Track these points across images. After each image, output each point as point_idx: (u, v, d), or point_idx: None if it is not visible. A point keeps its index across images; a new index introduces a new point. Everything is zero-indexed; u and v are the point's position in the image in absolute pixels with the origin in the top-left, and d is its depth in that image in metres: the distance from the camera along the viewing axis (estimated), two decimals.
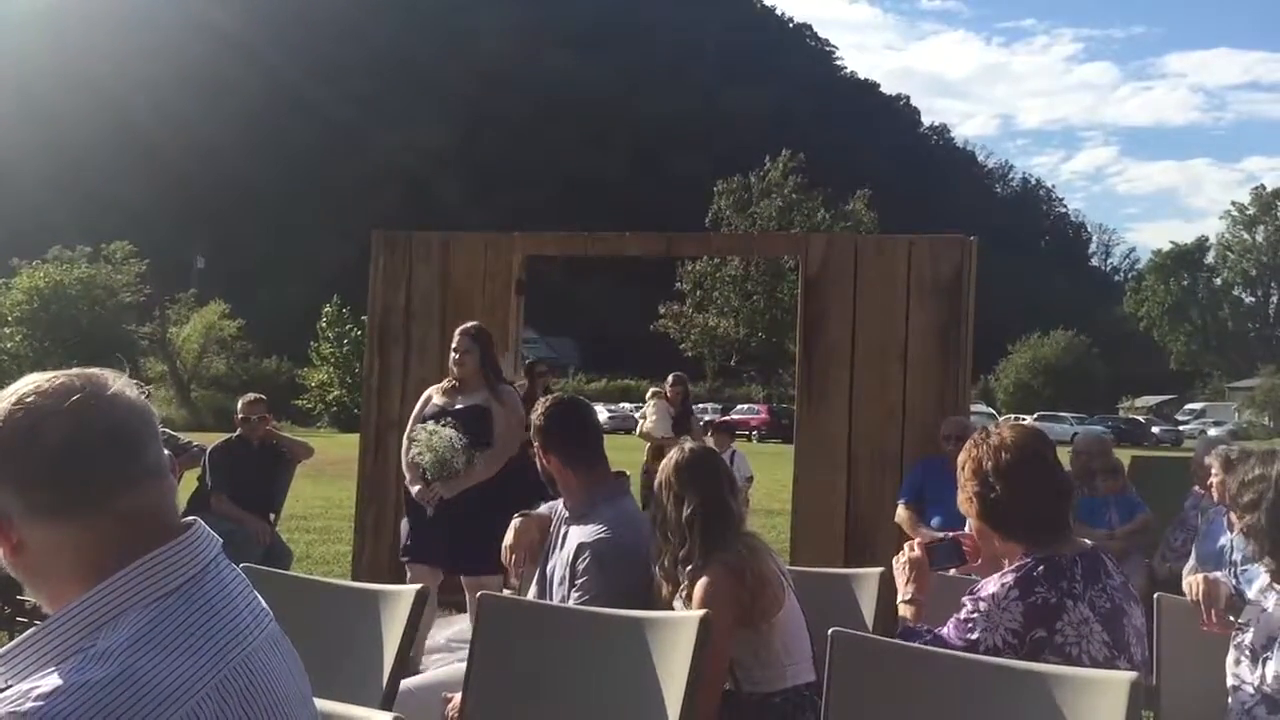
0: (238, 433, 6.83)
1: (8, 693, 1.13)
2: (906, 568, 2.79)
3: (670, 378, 10.37)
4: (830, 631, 2.46)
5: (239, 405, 6.99)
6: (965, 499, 2.63)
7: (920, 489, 6.20)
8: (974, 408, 38.24)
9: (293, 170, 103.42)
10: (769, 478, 14.22)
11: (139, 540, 1.25)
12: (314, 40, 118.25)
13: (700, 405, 47.78)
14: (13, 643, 1.23)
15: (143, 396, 1.34)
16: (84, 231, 53.53)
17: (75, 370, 1.32)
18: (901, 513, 6.23)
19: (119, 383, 1.32)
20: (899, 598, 2.80)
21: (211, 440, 7.21)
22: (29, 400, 1.26)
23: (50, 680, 1.12)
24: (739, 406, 48.14)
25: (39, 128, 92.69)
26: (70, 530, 1.24)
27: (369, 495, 7.63)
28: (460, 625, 6.10)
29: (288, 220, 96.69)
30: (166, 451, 1.34)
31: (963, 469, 2.63)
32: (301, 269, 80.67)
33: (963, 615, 2.51)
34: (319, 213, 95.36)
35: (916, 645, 2.48)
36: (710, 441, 9.38)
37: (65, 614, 1.21)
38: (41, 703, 1.09)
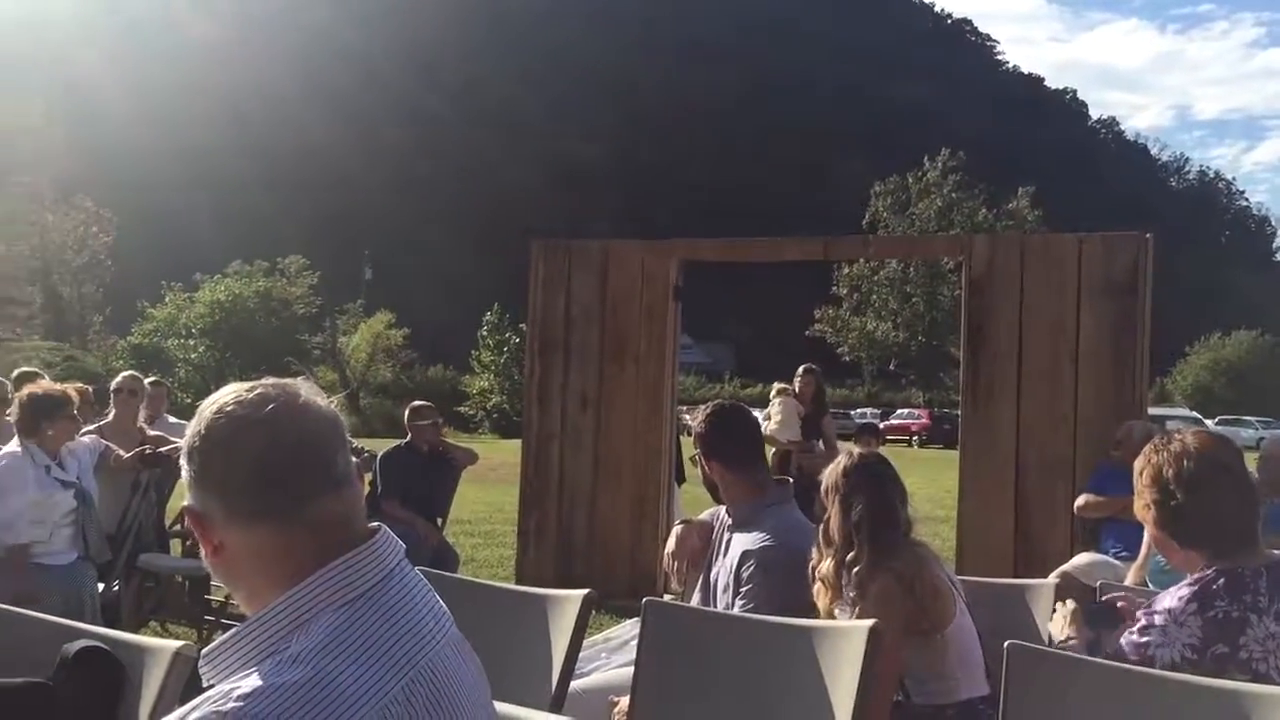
0: (408, 439, 7.03)
1: (210, 691, 1.19)
2: (1066, 617, 2.80)
3: (800, 370, 8.73)
4: (1006, 644, 2.38)
5: (409, 412, 7.16)
6: (1142, 506, 2.53)
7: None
8: (1174, 411, 36.30)
9: (455, 181, 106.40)
10: (931, 484, 13.95)
11: (329, 545, 1.30)
12: (487, 52, 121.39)
13: (859, 410, 47.28)
14: (215, 643, 1.30)
15: (331, 406, 1.39)
16: (259, 247, 56.14)
17: (270, 380, 1.38)
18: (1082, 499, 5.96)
19: (310, 392, 1.37)
20: (1057, 639, 2.79)
21: (380, 446, 7.44)
22: (230, 409, 1.32)
23: (249, 681, 1.17)
24: (899, 411, 47.32)
25: (242, 153, 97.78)
26: (266, 534, 1.30)
27: (531, 501, 7.78)
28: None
29: (451, 231, 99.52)
30: (354, 459, 1.39)
31: (1140, 475, 2.54)
32: (464, 278, 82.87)
33: (1137, 629, 2.43)
34: (481, 223, 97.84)
35: (1097, 660, 2.39)
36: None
37: (261, 618, 1.27)
38: (242, 703, 1.14)
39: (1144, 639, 2.38)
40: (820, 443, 8.38)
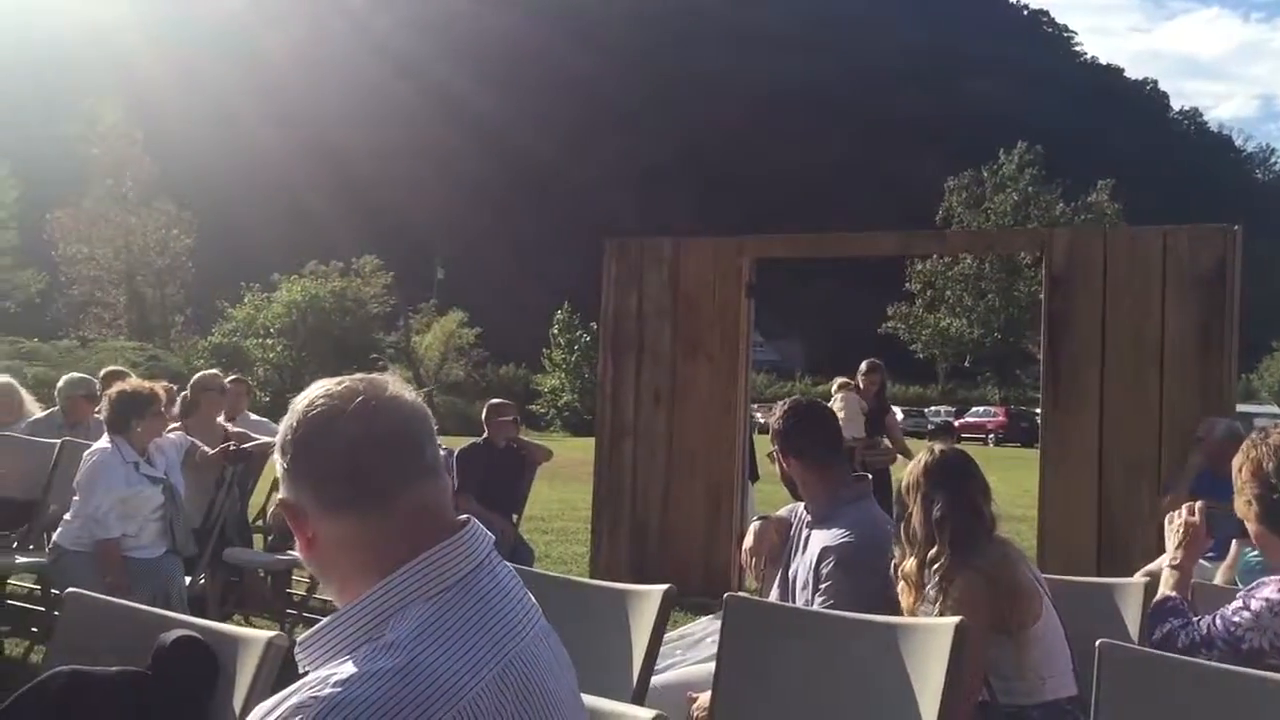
0: (484, 436, 7.08)
1: (308, 678, 1.21)
2: (1180, 530, 2.65)
3: (864, 365, 8.52)
4: (1098, 643, 2.33)
5: (488, 409, 7.21)
6: (1244, 502, 2.49)
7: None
8: (1261, 408, 35.34)
9: (524, 180, 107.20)
10: (1008, 482, 13.74)
11: (420, 536, 1.31)
12: (553, 53, 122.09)
13: (933, 408, 46.71)
14: (310, 631, 1.32)
15: (419, 399, 1.41)
16: (334, 249, 56.99)
17: (358, 375, 1.40)
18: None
19: (397, 386, 1.39)
20: (1166, 560, 2.68)
21: (454, 444, 7.49)
22: (319, 403, 1.35)
23: (345, 668, 1.19)
24: (974, 409, 46.64)
25: (315, 159, 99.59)
26: (357, 524, 1.32)
27: (605, 498, 7.81)
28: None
29: (521, 230, 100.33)
30: (442, 452, 1.40)
31: (1239, 471, 2.49)
32: (534, 277, 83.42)
33: (1231, 610, 2.39)
34: (551, 222, 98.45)
35: (1193, 660, 2.33)
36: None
37: (356, 606, 1.29)
38: (339, 688, 1.16)
39: (1236, 619, 2.36)
40: (885, 439, 8.29)
